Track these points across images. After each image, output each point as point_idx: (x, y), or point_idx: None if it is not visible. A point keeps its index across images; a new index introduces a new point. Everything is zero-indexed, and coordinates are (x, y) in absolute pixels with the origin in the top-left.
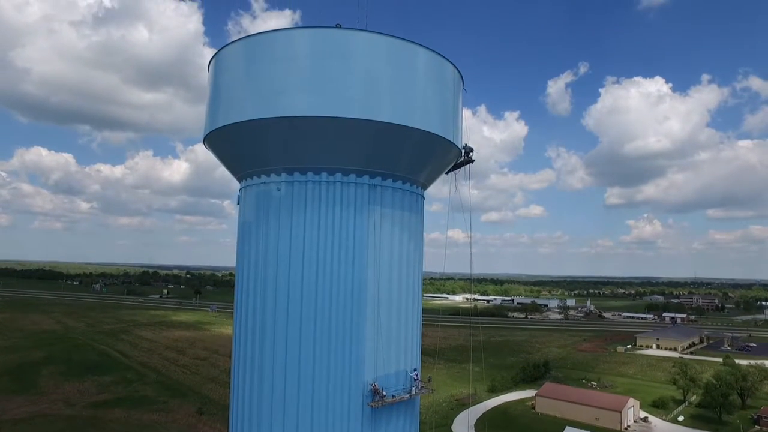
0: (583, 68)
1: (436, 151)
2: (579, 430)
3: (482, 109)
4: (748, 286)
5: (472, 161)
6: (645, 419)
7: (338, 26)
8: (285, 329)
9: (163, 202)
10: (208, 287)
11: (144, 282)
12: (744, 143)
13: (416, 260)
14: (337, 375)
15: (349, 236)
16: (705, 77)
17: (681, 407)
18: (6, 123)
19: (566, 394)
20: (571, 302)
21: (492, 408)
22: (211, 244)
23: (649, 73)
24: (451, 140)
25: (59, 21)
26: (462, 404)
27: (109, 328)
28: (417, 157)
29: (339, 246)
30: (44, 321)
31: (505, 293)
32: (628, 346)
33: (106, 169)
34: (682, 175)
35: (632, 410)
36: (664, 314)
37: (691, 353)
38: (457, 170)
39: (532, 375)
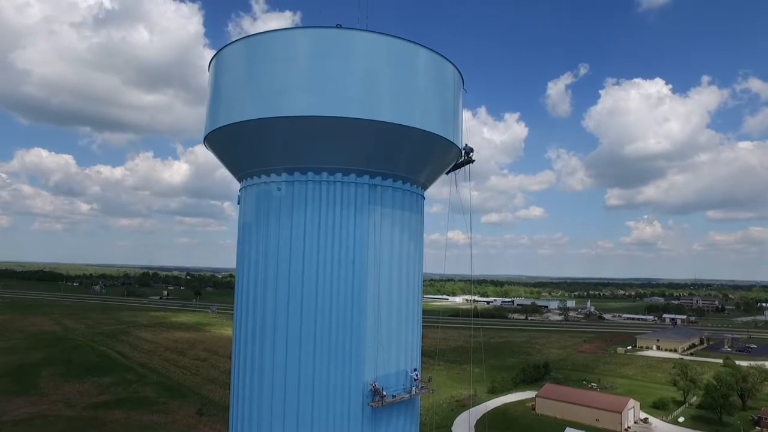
0: (583, 70)
1: (436, 150)
2: (579, 431)
3: (482, 111)
4: (749, 287)
5: (473, 161)
6: (645, 420)
7: (339, 26)
8: (285, 329)
9: (164, 204)
10: (208, 288)
11: (144, 283)
12: (744, 145)
13: (416, 260)
14: (337, 375)
15: (349, 236)
16: (705, 79)
17: (681, 408)
18: (6, 124)
19: (566, 395)
20: (571, 303)
21: (492, 409)
22: (211, 245)
23: (649, 75)
24: (452, 140)
25: (60, 22)
26: (462, 405)
27: (109, 329)
28: (417, 157)
29: (339, 246)
30: (44, 322)
31: (505, 294)
32: (629, 348)
33: (106, 171)
34: (682, 176)
35: (632, 411)
36: (665, 315)
37: (692, 354)
38: (457, 170)
39: (533, 376)
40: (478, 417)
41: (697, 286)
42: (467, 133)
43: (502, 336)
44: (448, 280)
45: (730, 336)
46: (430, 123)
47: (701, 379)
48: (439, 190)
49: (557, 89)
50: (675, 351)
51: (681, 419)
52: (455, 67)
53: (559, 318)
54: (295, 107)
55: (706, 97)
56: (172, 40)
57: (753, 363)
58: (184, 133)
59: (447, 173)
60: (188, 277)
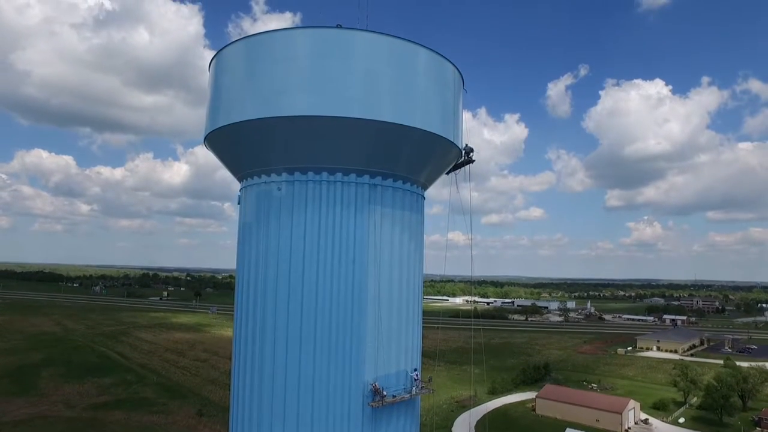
0: (583, 70)
1: (436, 150)
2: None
3: (482, 112)
4: (749, 288)
5: (473, 161)
6: (646, 421)
7: (339, 26)
8: (285, 329)
9: (164, 205)
10: (208, 289)
11: (144, 284)
12: (744, 145)
13: (417, 260)
14: (337, 375)
15: (349, 236)
16: (705, 79)
17: (682, 409)
18: (6, 125)
19: (567, 396)
20: (571, 304)
21: (492, 410)
22: (211, 246)
23: (649, 76)
24: (452, 140)
25: (60, 23)
26: (462, 406)
27: (109, 330)
28: (417, 157)
29: (339, 246)
30: (44, 323)
31: (506, 295)
32: (629, 348)
33: (106, 172)
34: (682, 177)
35: (633, 412)
36: (665, 316)
37: (692, 355)
38: (457, 171)
39: (533, 377)
40: (479, 418)
41: (697, 286)
42: (467, 133)
43: (503, 337)
44: (449, 281)
45: (731, 337)
46: (430, 123)
47: (701, 379)
48: (439, 191)
49: (557, 90)
50: (675, 352)
51: (681, 420)
52: (455, 67)
53: (559, 319)
54: (296, 107)
55: (706, 97)
56: (173, 41)
57: (753, 364)
58: (184, 134)
59: (447, 173)
60: (188, 278)
